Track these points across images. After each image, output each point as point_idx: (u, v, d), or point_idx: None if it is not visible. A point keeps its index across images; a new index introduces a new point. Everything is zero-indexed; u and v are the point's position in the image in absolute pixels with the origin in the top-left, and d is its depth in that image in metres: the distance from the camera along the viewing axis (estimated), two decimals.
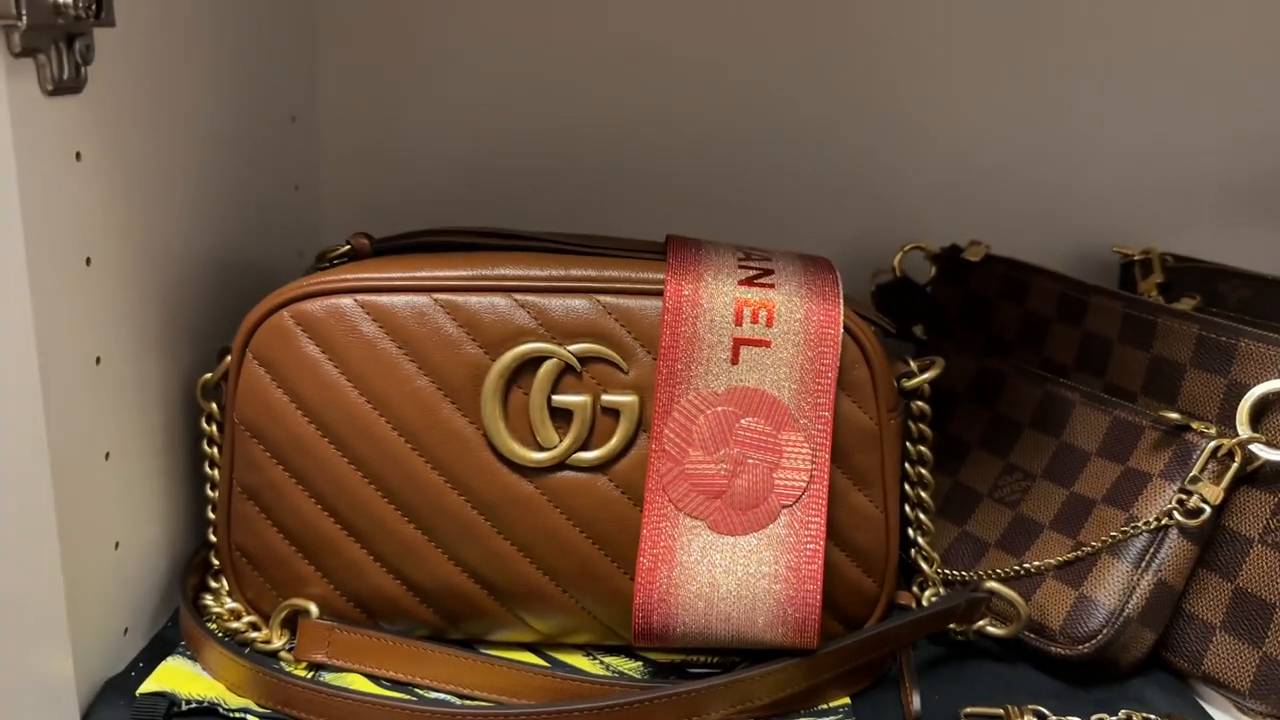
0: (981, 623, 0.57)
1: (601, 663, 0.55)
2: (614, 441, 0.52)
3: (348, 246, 0.56)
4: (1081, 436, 0.61)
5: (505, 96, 0.80)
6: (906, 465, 0.61)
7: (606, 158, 0.81)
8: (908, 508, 0.61)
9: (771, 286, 0.52)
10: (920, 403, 0.59)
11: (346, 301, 0.52)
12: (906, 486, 0.61)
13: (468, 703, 0.52)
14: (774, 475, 0.51)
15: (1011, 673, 0.57)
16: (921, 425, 0.60)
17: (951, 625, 0.57)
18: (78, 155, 0.47)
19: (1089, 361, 0.64)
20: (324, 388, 0.52)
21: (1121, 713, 0.52)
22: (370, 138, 0.81)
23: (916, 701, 0.51)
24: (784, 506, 0.51)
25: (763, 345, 0.52)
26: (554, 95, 0.80)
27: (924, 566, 0.60)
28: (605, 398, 0.52)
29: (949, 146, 0.81)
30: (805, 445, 0.51)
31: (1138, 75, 0.79)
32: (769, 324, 0.52)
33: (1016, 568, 0.59)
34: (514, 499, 0.52)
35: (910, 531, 0.61)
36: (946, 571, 0.62)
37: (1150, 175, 0.81)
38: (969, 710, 0.52)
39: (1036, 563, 0.58)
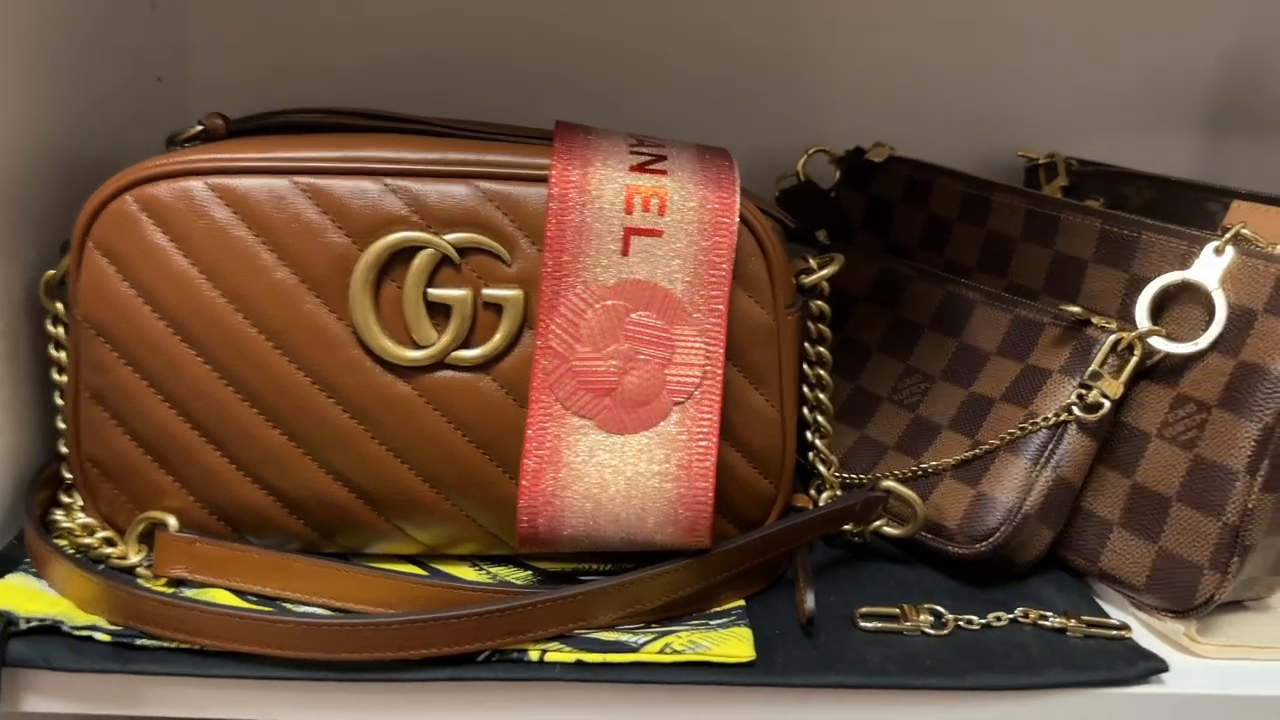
0: (878, 523, 0.56)
1: (488, 573, 0.53)
2: (497, 339, 0.49)
3: (200, 127, 0.51)
4: (982, 336, 0.59)
5: None
6: (805, 366, 0.59)
7: (499, 56, 0.76)
8: (806, 410, 0.59)
9: (664, 173, 0.49)
10: (819, 302, 0.57)
11: (196, 184, 0.47)
12: (805, 388, 0.59)
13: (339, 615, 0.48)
14: (665, 371, 0.48)
15: (909, 573, 0.56)
16: (820, 325, 0.58)
17: (848, 527, 0.56)
18: None
19: (991, 262, 0.62)
20: (173, 280, 0.48)
21: (1018, 610, 0.52)
22: (243, 25, 0.75)
23: (810, 602, 0.49)
24: (676, 403, 0.48)
25: (654, 235, 0.49)
26: None
27: (822, 469, 0.59)
28: (487, 291, 0.49)
29: (857, 53, 0.78)
30: (698, 340, 0.48)
31: None
32: (661, 212, 0.49)
33: (914, 469, 0.57)
34: (388, 401, 0.49)
35: (808, 434, 0.59)
36: (845, 475, 0.60)
37: (1055, 81, 0.79)
38: (864, 610, 0.51)
39: (934, 463, 0.57)
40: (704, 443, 0.48)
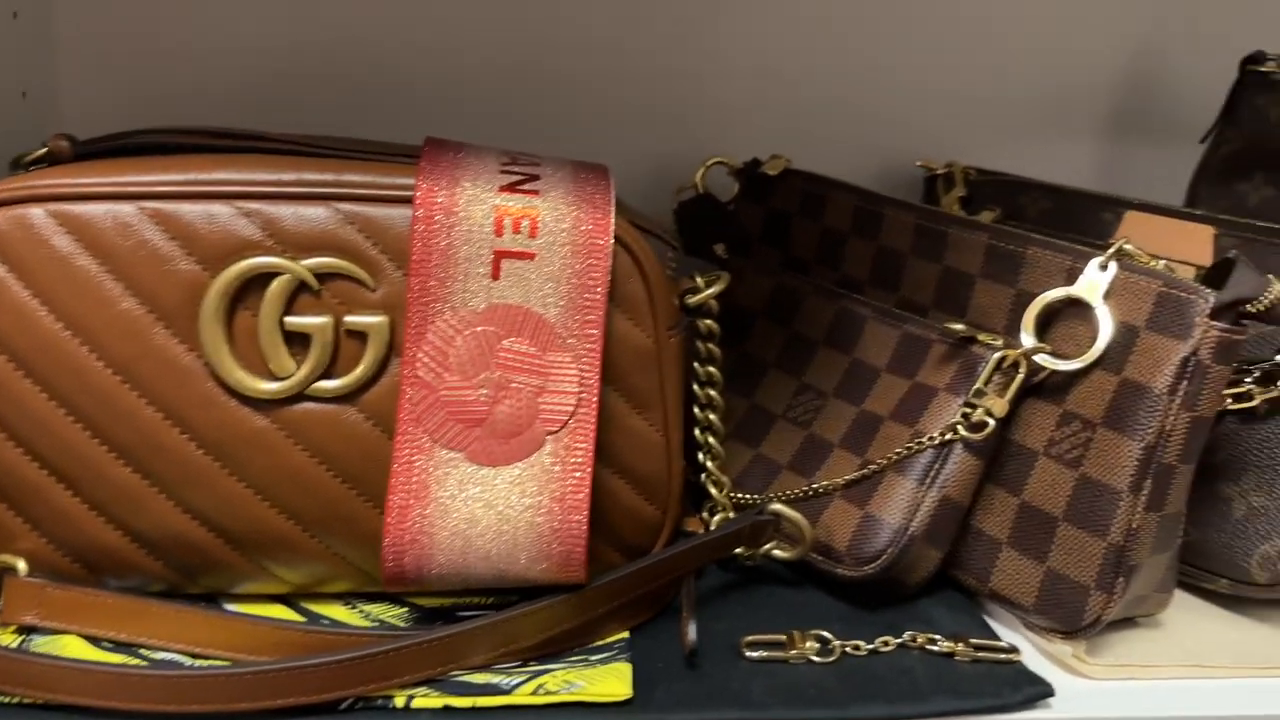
0: (768, 546, 0.55)
1: (362, 612, 0.50)
2: (361, 368, 0.47)
3: (45, 150, 0.48)
4: (872, 353, 0.59)
5: None
6: (695, 387, 0.58)
7: (381, 72, 0.74)
8: (697, 431, 0.58)
9: (536, 194, 0.47)
10: (708, 321, 0.56)
11: (36, 211, 0.45)
12: (696, 409, 0.58)
13: (199, 663, 0.46)
14: (539, 400, 0.46)
15: (800, 597, 0.55)
16: (710, 345, 0.57)
17: (739, 550, 0.55)
18: None
19: (883, 276, 0.62)
20: (13, 313, 0.45)
21: (907, 634, 0.51)
22: (111, 39, 0.71)
23: (692, 633, 0.48)
24: (549, 433, 0.46)
25: (526, 258, 0.47)
26: None
27: (713, 491, 0.57)
28: (349, 319, 0.47)
29: (760, 63, 0.77)
30: (573, 366, 0.47)
31: None
32: (533, 235, 0.47)
33: (806, 489, 0.56)
34: (245, 435, 0.46)
35: (700, 455, 0.58)
36: (739, 496, 0.59)
37: (956, 90, 0.79)
38: (750, 638, 0.50)
39: (825, 483, 0.56)
40: (578, 474, 0.46)
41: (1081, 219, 0.66)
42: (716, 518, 0.57)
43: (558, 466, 0.46)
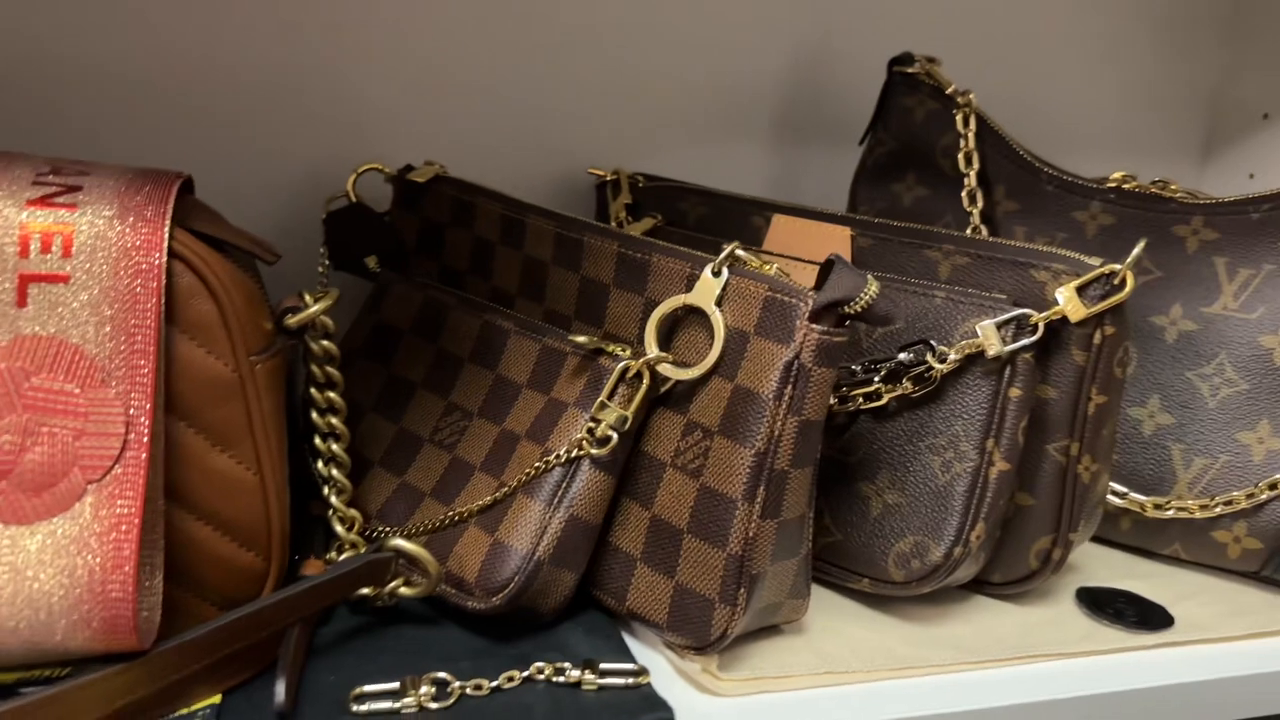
0: (394, 584, 0.51)
1: None
2: None
3: None
4: (515, 368, 0.56)
5: None
6: (315, 416, 0.53)
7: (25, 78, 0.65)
8: (320, 464, 0.54)
9: (73, 207, 0.42)
10: (324, 342, 0.51)
11: None
12: (317, 440, 0.54)
13: None
14: (78, 444, 0.41)
15: (432, 635, 0.51)
16: (328, 369, 0.52)
17: (368, 591, 0.51)
18: None
19: (530, 287, 0.59)
20: None
21: (534, 666, 0.48)
22: None
23: (280, 692, 0.43)
24: (91, 482, 0.41)
25: (59, 281, 0.41)
26: None
27: (340, 529, 0.53)
28: None
29: (422, 65, 0.73)
30: (118, 404, 0.41)
31: None
32: (66, 254, 0.41)
33: (445, 517, 0.53)
34: None
35: (325, 491, 0.54)
36: (380, 529, 0.55)
37: (625, 97, 0.78)
38: (360, 690, 0.45)
39: (463, 509, 0.52)
40: (124, 527, 0.41)
41: (736, 223, 0.66)
42: (345, 557, 0.53)
43: (99, 521, 0.40)
